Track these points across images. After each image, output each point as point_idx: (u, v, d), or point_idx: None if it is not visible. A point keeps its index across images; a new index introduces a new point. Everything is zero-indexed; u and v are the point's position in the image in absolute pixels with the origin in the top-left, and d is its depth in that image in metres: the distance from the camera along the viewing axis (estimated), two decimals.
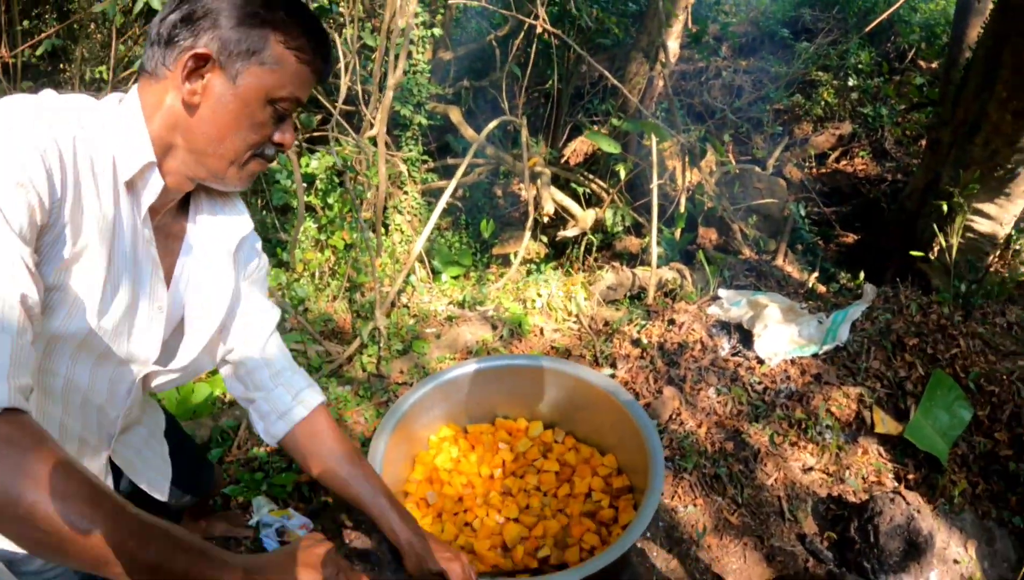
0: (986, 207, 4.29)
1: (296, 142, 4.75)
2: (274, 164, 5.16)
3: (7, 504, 0.93)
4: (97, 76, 5.19)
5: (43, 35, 4.70)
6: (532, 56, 5.34)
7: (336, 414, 3.42)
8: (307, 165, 4.69)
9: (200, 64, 1.25)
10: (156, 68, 1.28)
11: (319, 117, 5.84)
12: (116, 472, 1.67)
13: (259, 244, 1.68)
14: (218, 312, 1.55)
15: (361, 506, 1.76)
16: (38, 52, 4.62)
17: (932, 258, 4.52)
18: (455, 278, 4.96)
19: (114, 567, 1.00)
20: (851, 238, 5.84)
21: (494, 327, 4.10)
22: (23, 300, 1.04)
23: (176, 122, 1.29)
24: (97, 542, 0.97)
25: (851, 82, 7.46)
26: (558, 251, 5.16)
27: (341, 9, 6.24)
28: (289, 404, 1.74)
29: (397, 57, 4.06)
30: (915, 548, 2.72)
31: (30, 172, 1.05)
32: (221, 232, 1.53)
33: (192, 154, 1.32)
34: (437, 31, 5.54)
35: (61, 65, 6.28)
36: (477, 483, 2.71)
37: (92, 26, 6.23)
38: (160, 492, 1.81)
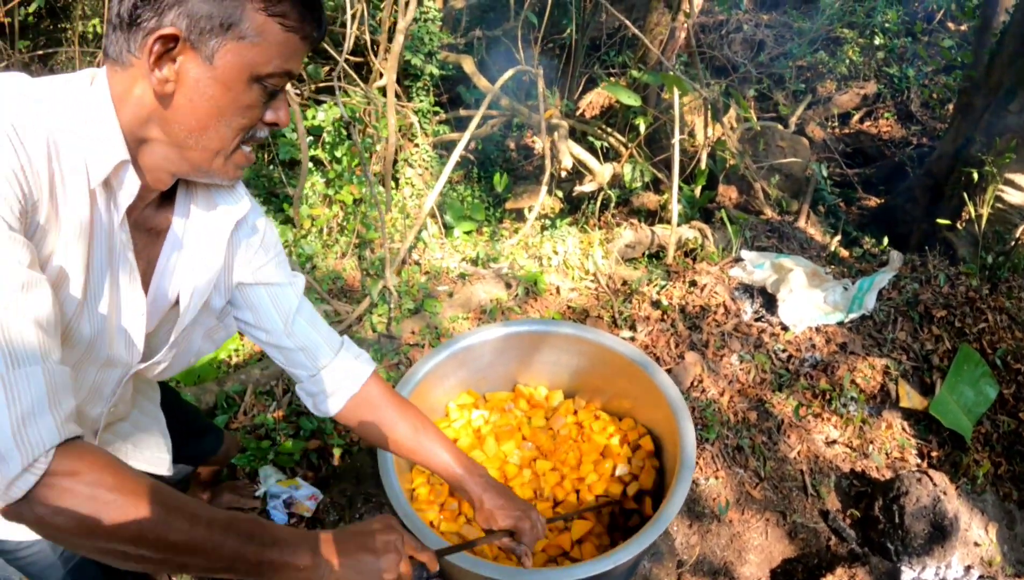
0: (1019, 177, 4.13)
1: (300, 93, 4.59)
2: None
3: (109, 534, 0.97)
4: (91, 29, 4.98)
5: None
6: (549, 4, 5.16)
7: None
8: (313, 117, 4.52)
9: (169, 46, 1.07)
10: (120, 55, 1.09)
11: (327, 68, 5.68)
12: None
13: (261, 220, 1.49)
14: (204, 295, 1.40)
15: (432, 470, 1.70)
16: (30, 9, 4.34)
17: (959, 227, 4.38)
18: (467, 234, 4.83)
19: (197, 562, 1.05)
20: (874, 202, 5.70)
21: (508, 286, 3.98)
22: (37, 323, 0.97)
23: (149, 115, 1.12)
24: (186, 546, 1.03)
25: (877, 41, 7.26)
26: (573, 206, 5.02)
27: None
28: (337, 383, 1.63)
29: (407, 1, 3.89)
30: (940, 531, 2.63)
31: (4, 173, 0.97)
32: (217, 222, 1.37)
33: (172, 148, 1.16)
34: None
35: (61, 24, 6.10)
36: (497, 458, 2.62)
37: None
38: (163, 468, 1.74)
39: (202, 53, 1.07)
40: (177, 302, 1.38)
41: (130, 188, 1.15)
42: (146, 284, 1.31)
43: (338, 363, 1.62)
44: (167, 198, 1.32)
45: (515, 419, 2.71)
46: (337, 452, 3.00)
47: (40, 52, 5.24)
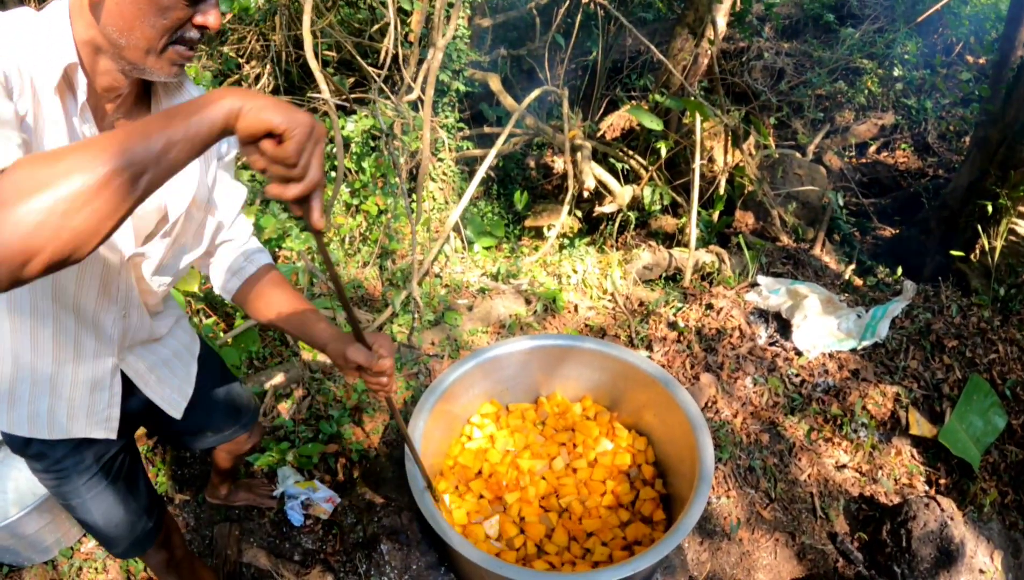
0: None
1: (337, 103, 4.69)
2: None
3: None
4: None
5: None
6: (576, 26, 5.25)
7: (365, 386, 3.39)
8: (343, 127, 4.62)
9: None
10: None
11: (352, 80, 5.77)
12: (130, 388, 1.73)
13: None
14: (187, 193, 1.52)
15: (300, 336, 1.73)
16: None
17: (973, 259, 4.44)
18: (487, 249, 4.91)
19: (143, 175, 1.01)
20: (889, 232, 5.76)
21: (528, 302, 4.06)
22: None
23: (90, 21, 1.26)
24: (112, 173, 0.97)
25: (896, 72, 7.32)
26: (592, 226, 5.10)
27: None
28: (241, 264, 1.77)
29: (448, 17, 3.97)
30: (947, 556, 2.69)
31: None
32: None
33: (111, 49, 1.28)
34: None
35: None
36: (512, 468, 2.70)
37: None
38: (175, 409, 1.85)
39: None
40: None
41: (82, 85, 1.28)
42: None
43: (251, 247, 1.80)
44: (144, 106, 1.48)
45: (534, 433, 2.79)
46: (356, 456, 3.08)
47: None
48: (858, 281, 4.43)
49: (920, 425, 3.29)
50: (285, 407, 3.28)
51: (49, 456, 1.69)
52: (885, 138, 7.09)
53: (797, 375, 3.51)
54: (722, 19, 5.24)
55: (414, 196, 4.44)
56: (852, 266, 4.58)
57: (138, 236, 1.49)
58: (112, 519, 1.84)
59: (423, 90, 4.16)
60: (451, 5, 4.12)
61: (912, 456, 3.26)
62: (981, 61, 7.59)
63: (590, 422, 2.83)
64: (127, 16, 1.23)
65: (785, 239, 4.73)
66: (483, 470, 2.70)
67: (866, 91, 7.16)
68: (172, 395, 1.84)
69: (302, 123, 1.08)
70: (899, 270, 4.50)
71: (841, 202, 5.34)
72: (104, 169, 0.96)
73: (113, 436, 1.71)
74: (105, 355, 1.62)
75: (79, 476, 1.73)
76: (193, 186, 1.52)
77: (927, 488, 3.16)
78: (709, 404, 3.32)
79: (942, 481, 3.17)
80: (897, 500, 3.05)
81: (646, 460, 2.76)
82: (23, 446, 1.67)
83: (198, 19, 1.29)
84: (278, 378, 3.34)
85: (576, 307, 4.09)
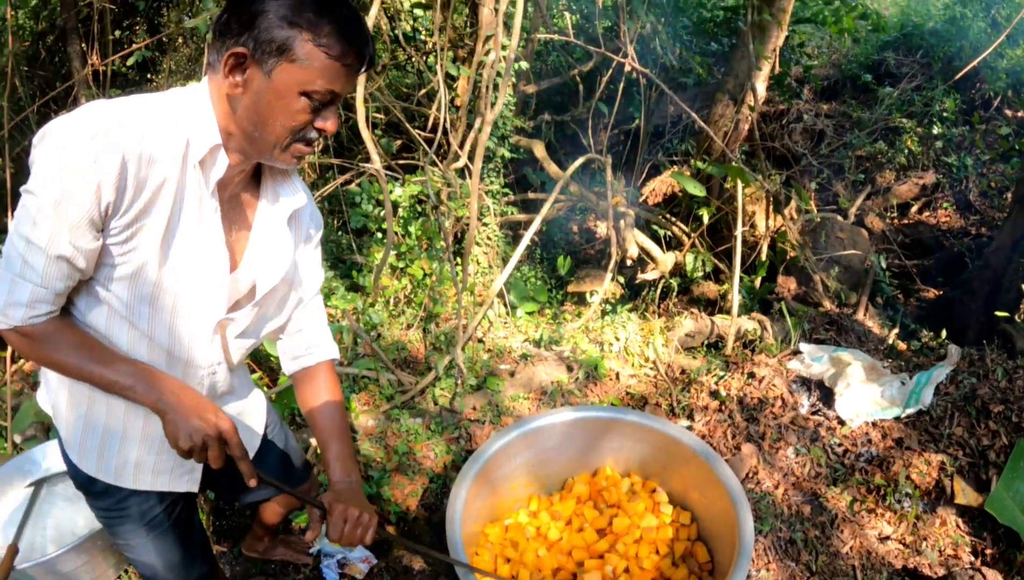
0: None
1: (384, 167, 4.84)
2: (355, 187, 5.26)
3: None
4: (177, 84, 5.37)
5: (134, 47, 4.92)
6: (619, 94, 5.37)
7: (406, 447, 3.48)
8: (392, 192, 4.76)
9: (240, 61, 1.41)
10: (214, 63, 1.45)
11: (399, 142, 5.94)
12: None
13: (317, 215, 1.87)
14: (279, 271, 1.70)
15: (323, 450, 1.90)
16: (128, 63, 4.89)
17: (1018, 319, 4.43)
18: (530, 314, 4.99)
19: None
20: (932, 293, 5.74)
21: (569, 369, 4.12)
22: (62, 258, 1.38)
23: (228, 111, 1.46)
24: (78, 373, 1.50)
25: (935, 130, 7.33)
26: (634, 293, 5.16)
27: (425, 38, 6.37)
28: (302, 351, 1.93)
29: (496, 90, 4.10)
30: None
31: (104, 167, 1.31)
32: (281, 206, 1.68)
33: (243, 138, 1.49)
34: (524, 64, 5.59)
35: (149, 75, 6.52)
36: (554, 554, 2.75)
37: (180, 40, 6.46)
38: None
39: (263, 69, 1.41)
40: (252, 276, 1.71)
41: (221, 165, 1.49)
42: (233, 252, 1.64)
43: (318, 335, 1.95)
44: (256, 187, 1.68)
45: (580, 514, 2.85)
46: (394, 518, 3.15)
47: None
48: (902, 346, 4.42)
49: (966, 494, 3.28)
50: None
51: (114, 496, 1.78)
52: (926, 197, 7.07)
53: (840, 445, 3.52)
54: (761, 85, 5.34)
55: (459, 260, 4.54)
56: (896, 330, 4.58)
57: (229, 303, 1.66)
58: (169, 562, 1.94)
59: (470, 159, 4.29)
60: (499, 75, 4.25)
61: (957, 526, 3.24)
62: (1020, 114, 7.58)
63: (636, 498, 2.87)
64: (262, 114, 1.44)
65: (828, 304, 4.76)
66: (526, 556, 2.74)
67: (906, 150, 7.17)
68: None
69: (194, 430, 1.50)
70: (943, 333, 4.49)
71: (884, 265, 5.35)
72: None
73: (195, 489, 1.85)
74: None
75: (140, 518, 1.83)
76: (284, 267, 1.71)
77: (973, 559, 3.14)
78: (750, 475, 3.35)
79: (988, 551, 3.14)
80: (942, 572, 3.03)
81: (688, 537, 2.78)
82: (88, 482, 1.76)
83: (318, 123, 1.50)
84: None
85: (618, 375, 4.14)
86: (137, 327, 1.55)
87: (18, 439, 3.39)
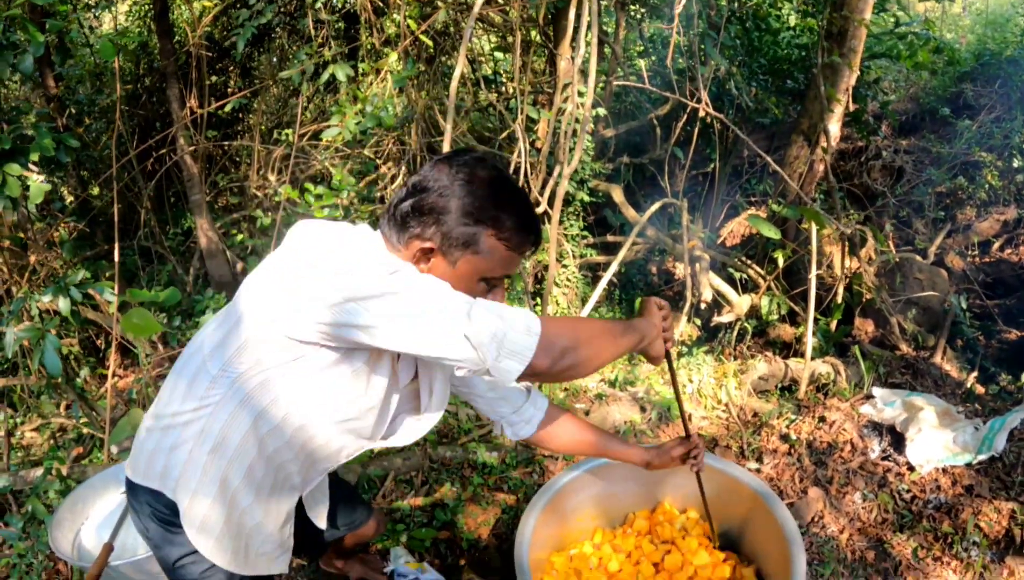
0: None
1: None
2: None
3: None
4: (282, 137, 5.67)
5: (232, 96, 5.25)
6: (694, 137, 5.49)
7: (481, 480, 3.71)
8: None
9: (427, 253, 1.60)
10: (390, 237, 1.63)
11: None
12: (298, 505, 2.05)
13: None
14: (444, 403, 1.92)
15: (618, 459, 2.48)
16: (226, 109, 5.21)
17: None
18: None
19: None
20: (1015, 334, 5.69)
21: (643, 409, 4.27)
22: None
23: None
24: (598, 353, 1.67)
25: (1016, 163, 7.16)
26: (710, 334, 5.27)
27: (505, 80, 6.58)
28: (531, 414, 2.21)
29: (574, 140, 4.25)
30: None
31: None
32: None
33: None
34: (602, 110, 5.75)
35: (240, 114, 6.90)
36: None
37: (272, 83, 6.82)
38: (321, 520, 2.17)
39: (448, 259, 1.61)
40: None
41: None
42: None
43: (528, 401, 2.21)
44: None
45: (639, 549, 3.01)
46: (465, 545, 3.36)
47: (224, 143, 6.40)
48: (980, 389, 4.43)
49: None
50: (404, 492, 3.63)
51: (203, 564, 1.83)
52: (1008, 234, 6.93)
53: (908, 491, 3.58)
54: (835, 125, 5.40)
55: (538, 300, 4.72)
56: (974, 374, 4.59)
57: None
58: None
59: (550, 205, 4.46)
60: (577, 121, 4.39)
61: None
62: None
63: (690, 535, 3.01)
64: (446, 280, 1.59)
65: (904, 347, 4.79)
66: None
67: (986, 185, 7.06)
68: (320, 509, 2.16)
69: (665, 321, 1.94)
70: (1022, 377, 4.49)
71: (964, 305, 5.32)
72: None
73: (285, 569, 2.00)
74: (300, 491, 1.95)
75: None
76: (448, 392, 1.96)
77: None
78: (815, 519, 3.44)
79: None
80: None
81: (742, 576, 2.90)
82: (184, 556, 1.80)
83: (488, 296, 1.67)
84: (398, 463, 3.72)
85: (690, 416, 4.27)
86: (311, 434, 1.75)
87: (115, 450, 3.70)
